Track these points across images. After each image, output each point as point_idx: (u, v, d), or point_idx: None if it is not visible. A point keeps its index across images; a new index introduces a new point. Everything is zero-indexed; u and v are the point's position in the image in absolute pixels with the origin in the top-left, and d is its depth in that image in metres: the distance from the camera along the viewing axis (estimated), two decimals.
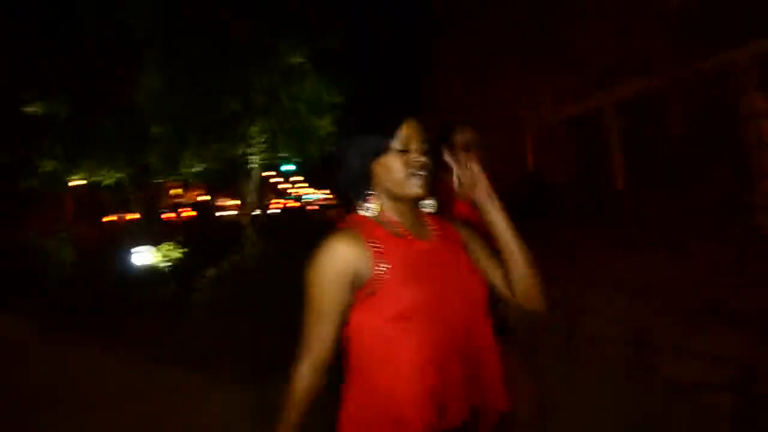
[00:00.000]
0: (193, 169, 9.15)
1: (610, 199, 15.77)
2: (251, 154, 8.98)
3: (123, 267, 7.91)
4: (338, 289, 1.44)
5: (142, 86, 8.54)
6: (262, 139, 8.79)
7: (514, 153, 20.94)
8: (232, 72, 8.03)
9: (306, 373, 1.48)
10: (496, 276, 1.61)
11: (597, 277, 8.18)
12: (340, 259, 1.44)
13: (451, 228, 1.65)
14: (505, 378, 1.56)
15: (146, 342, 5.61)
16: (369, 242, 1.46)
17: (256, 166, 9.20)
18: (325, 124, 9.17)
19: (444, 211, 2.14)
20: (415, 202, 1.57)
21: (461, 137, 2.49)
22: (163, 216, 21.37)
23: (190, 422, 4.13)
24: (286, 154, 9.32)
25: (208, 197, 38.15)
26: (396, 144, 1.51)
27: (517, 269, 1.54)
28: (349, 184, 1.55)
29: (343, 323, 1.49)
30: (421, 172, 1.52)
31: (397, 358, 1.41)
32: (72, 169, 9.27)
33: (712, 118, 12.26)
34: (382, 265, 1.44)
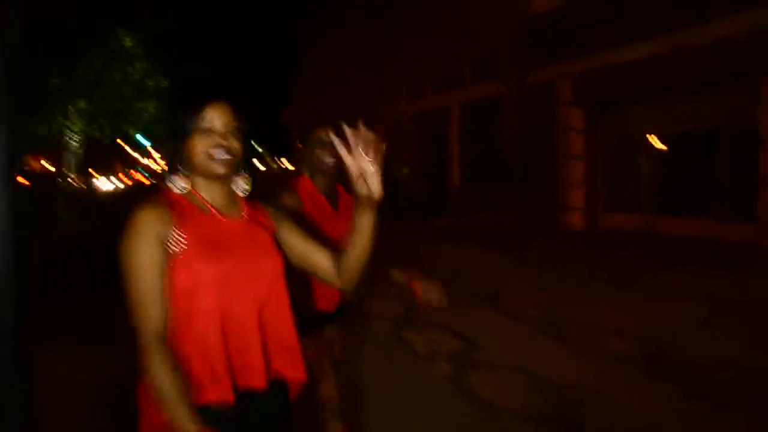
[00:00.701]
0: None
1: (448, 194, 17.01)
2: (71, 131, 8.87)
3: None
4: (153, 253, 1.47)
5: None
6: (82, 119, 8.72)
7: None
8: (57, 49, 7.90)
9: (162, 363, 1.45)
10: (316, 257, 1.75)
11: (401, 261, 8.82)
12: (148, 223, 1.48)
13: (262, 211, 1.76)
14: (302, 353, 1.67)
15: None
16: (174, 213, 1.53)
17: (76, 143, 9.09)
18: (148, 107, 9.29)
19: (286, 185, 2.52)
20: (225, 182, 1.66)
21: (321, 136, 2.54)
22: None
23: None
24: (106, 134, 9.29)
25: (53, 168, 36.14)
26: (200, 125, 1.59)
27: (353, 260, 1.66)
28: (167, 163, 1.64)
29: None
30: (223, 153, 1.58)
31: (188, 326, 1.49)
32: None
33: (539, 127, 13.54)
34: (181, 236, 1.50)
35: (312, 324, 2.37)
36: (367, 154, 1.51)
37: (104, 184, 49.50)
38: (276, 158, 50.50)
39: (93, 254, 6.23)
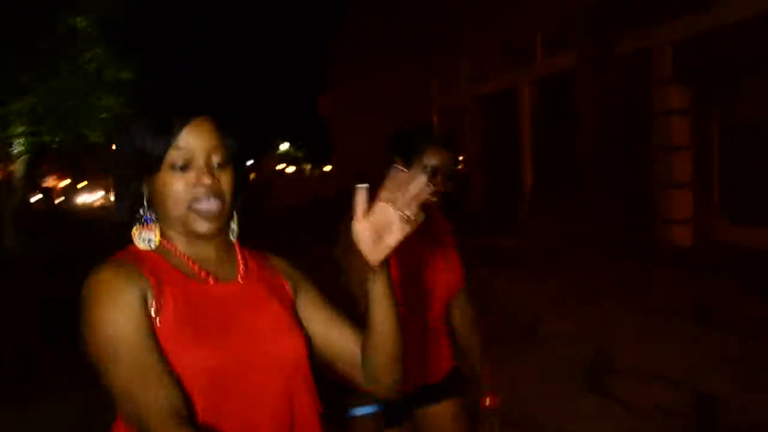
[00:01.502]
0: None
1: (518, 203, 14.22)
2: (13, 137, 7.11)
3: None
4: (139, 316, 1.03)
5: None
6: (23, 121, 6.92)
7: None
8: None
9: None
10: (327, 336, 1.26)
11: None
12: (124, 281, 1.05)
13: (266, 263, 1.29)
14: None
15: None
16: (145, 273, 1.08)
17: (21, 150, 7.36)
18: (110, 104, 7.40)
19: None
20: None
21: (429, 160, 1.95)
22: None
23: None
24: (56, 138, 7.53)
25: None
26: (174, 156, 1.11)
27: (378, 343, 1.17)
28: (121, 202, 1.17)
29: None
30: (207, 199, 1.12)
31: None
32: None
33: (629, 111, 10.60)
34: (157, 304, 1.06)
35: (396, 411, 1.86)
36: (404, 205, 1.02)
37: (91, 196, 48.66)
38: (314, 165, 43.12)
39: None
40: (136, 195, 1.16)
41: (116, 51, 7.50)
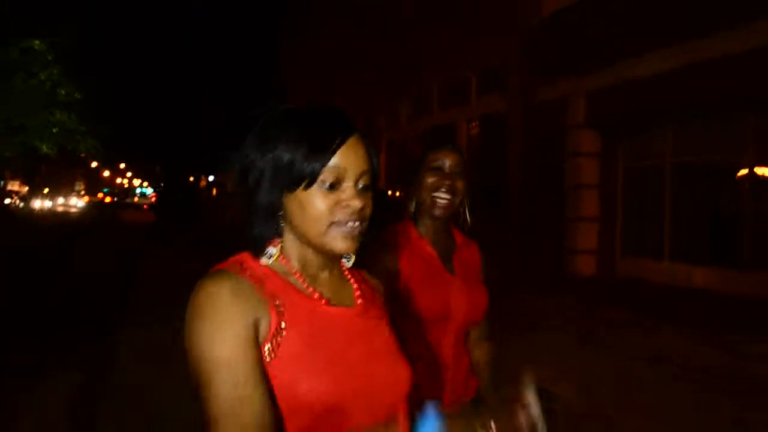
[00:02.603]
0: None
1: None
2: None
3: None
4: (248, 336, 0.93)
5: None
6: None
7: None
8: None
9: None
10: None
11: None
12: (236, 300, 0.94)
13: (373, 286, 1.21)
14: None
15: None
16: (264, 293, 0.97)
17: None
18: (63, 119, 8.05)
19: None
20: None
21: (440, 162, 1.81)
22: None
23: None
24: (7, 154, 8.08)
25: None
26: (325, 174, 1.00)
27: None
28: (249, 217, 1.04)
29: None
30: (353, 222, 1.02)
31: None
32: None
33: (546, 152, 11.64)
34: (279, 329, 0.96)
35: None
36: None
37: (50, 201, 52.43)
38: None
39: None
40: (272, 211, 1.05)
41: (70, 72, 8.11)
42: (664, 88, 8.93)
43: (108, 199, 64.45)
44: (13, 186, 41.49)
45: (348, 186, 1.02)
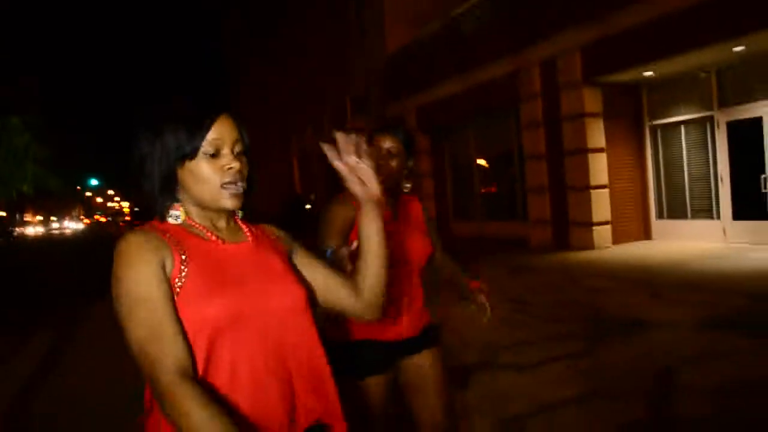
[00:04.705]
0: None
1: None
2: None
3: None
4: (159, 280, 1.16)
5: None
6: None
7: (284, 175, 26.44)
8: None
9: (194, 398, 1.06)
10: (340, 290, 1.43)
11: None
12: (148, 248, 1.18)
13: (265, 231, 1.45)
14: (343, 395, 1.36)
15: None
16: (168, 241, 1.22)
17: None
18: (36, 171, 12.48)
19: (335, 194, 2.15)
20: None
21: (381, 143, 2.19)
22: None
23: None
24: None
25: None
26: (206, 146, 1.25)
27: (370, 278, 1.40)
28: (152, 192, 1.28)
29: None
30: (235, 181, 1.27)
31: (207, 374, 1.16)
32: None
33: None
34: (183, 266, 1.19)
35: (382, 359, 2.13)
36: (357, 155, 1.33)
37: (37, 228, 61.77)
38: None
39: None
40: (169, 182, 1.27)
41: (38, 137, 12.41)
42: (458, 103, 13.36)
43: (103, 219, 78.12)
44: (29, 217, 54.67)
45: (226, 153, 1.26)
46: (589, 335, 4.92)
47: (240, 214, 1.37)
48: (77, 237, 37.58)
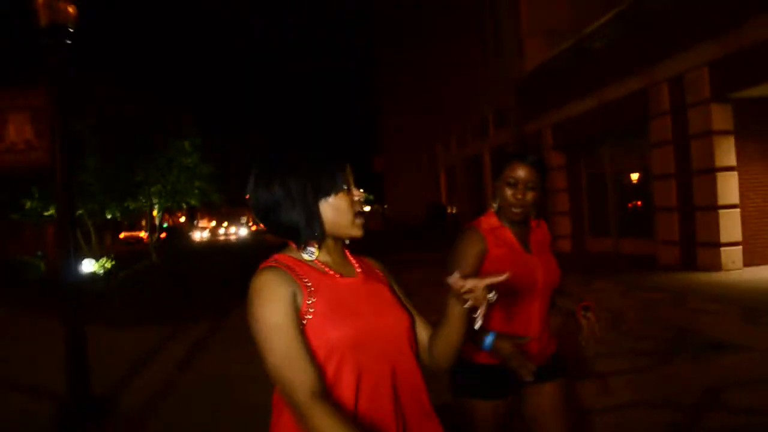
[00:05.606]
0: (109, 216, 14.69)
1: None
2: (152, 204, 14.28)
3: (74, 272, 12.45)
4: (289, 313, 1.33)
5: (85, 165, 13.14)
6: (157, 197, 14.12)
7: (431, 185, 28.01)
8: (139, 156, 13.12)
9: (328, 416, 1.22)
10: (418, 328, 1.58)
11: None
12: (281, 284, 1.36)
13: (370, 264, 1.63)
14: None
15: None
16: (296, 276, 1.40)
17: (156, 211, 14.73)
18: (202, 186, 14.90)
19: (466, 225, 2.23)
20: (343, 240, 1.53)
21: (511, 173, 2.15)
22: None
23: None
24: (174, 206, 14.92)
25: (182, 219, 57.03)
26: (344, 183, 1.47)
27: (446, 347, 1.49)
28: (297, 225, 1.45)
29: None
30: (361, 215, 1.51)
31: (334, 394, 1.33)
32: (48, 206, 13.39)
33: None
34: (309, 299, 1.37)
35: (507, 384, 2.11)
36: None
37: (203, 232, 71.26)
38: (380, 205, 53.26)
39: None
40: (315, 216, 1.45)
41: (203, 156, 14.83)
42: (591, 120, 13.49)
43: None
44: (203, 222, 65.97)
45: (354, 189, 1.51)
46: (663, 352, 5.24)
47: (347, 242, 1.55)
48: (239, 242, 42.12)
